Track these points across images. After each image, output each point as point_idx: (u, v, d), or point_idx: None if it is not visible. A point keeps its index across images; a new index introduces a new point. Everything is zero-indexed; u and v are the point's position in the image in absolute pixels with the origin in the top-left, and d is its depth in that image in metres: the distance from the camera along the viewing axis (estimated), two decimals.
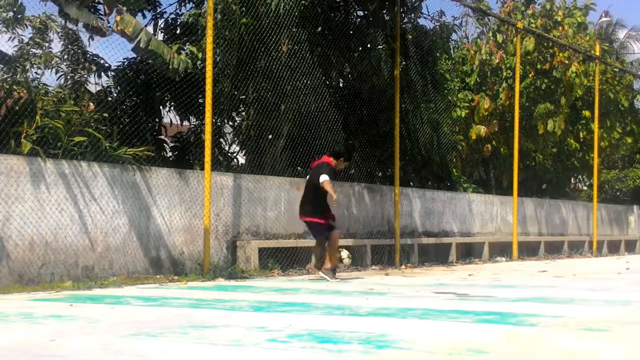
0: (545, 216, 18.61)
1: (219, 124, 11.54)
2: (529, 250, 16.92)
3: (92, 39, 11.08)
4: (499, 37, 18.03)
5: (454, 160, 17.23)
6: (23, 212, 7.77)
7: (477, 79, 17.76)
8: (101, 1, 10.50)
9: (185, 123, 12.13)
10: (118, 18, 8.89)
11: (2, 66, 9.15)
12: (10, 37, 9.33)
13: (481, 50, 17.73)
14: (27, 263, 7.78)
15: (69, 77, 10.77)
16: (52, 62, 10.13)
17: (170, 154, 11.91)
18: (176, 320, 5.05)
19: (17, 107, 8.42)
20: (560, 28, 18.12)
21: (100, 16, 11.00)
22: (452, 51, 17.93)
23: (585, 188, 25.24)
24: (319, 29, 12.60)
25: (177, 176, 9.61)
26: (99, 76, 11.25)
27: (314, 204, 9.19)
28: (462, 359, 3.64)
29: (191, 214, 9.66)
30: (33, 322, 5.02)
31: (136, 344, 4.07)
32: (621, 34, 30.62)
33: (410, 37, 14.23)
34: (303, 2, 11.35)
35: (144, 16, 11.65)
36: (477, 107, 17.11)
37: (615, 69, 20.29)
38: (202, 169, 9.52)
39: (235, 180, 10.37)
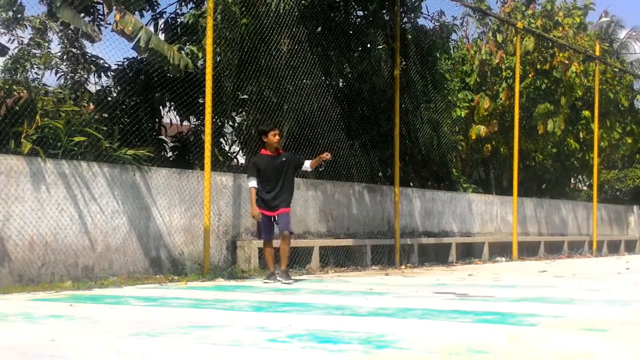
0: (545, 216, 18.61)
1: (219, 124, 11.54)
2: (529, 250, 16.92)
3: (102, 32, 11.09)
4: (499, 37, 18.03)
5: (454, 160, 17.24)
6: (23, 212, 7.77)
7: (477, 79, 17.77)
8: (100, 1, 10.51)
9: (185, 123, 12.13)
10: (117, 17, 8.88)
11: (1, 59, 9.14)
12: (10, 39, 9.32)
13: (481, 50, 17.74)
14: (27, 263, 7.78)
15: (68, 77, 10.77)
16: (52, 63, 10.12)
17: (170, 154, 11.91)
18: (176, 320, 5.05)
19: (17, 107, 8.42)
20: (561, 28, 18.13)
21: (100, 16, 11.02)
22: (452, 51, 17.94)
23: (585, 188, 25.26)
24: (319, 28, 12.60)
25: (177, 176, 9.61)
26: (99, 76, 11.25)
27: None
28: (462, 359, 3.64)
29: (191, 214, 9.66)
30: (33, 322, 5.02)
31: (136, 344, 4.07)
32: (621, 34, 30.63)
33: (410, 37, 14.23)
34: (303, 2, 11.35)
35: (142, 15, 11.65)
36: (477, 107, 17.12)
37: (615, 69, 20.29)
38: (202, 169, 9.52)
39: (235, 180, 10.37)
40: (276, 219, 8.53)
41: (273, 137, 8.55)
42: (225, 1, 10.47)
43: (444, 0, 18.11)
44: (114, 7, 8.97)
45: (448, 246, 14.29)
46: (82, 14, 10.84)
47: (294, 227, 11.05)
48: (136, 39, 9.08)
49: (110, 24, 9.72)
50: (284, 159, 8.63)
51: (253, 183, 8.58)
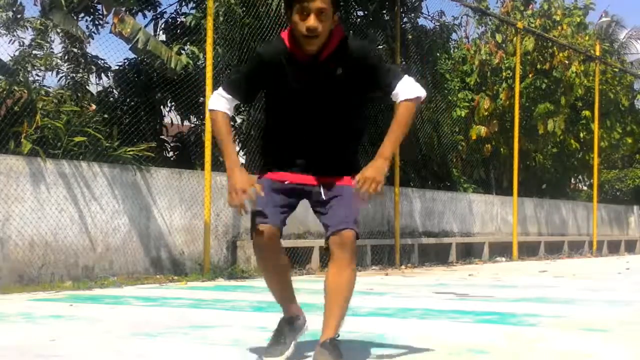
0: (545, 216, 18.61)
1: None
2: (529, 250, 16.91)
3: (92, 38, 11.14)
4: (499, 37, 18.03)
5: (454, 160, 17.23)
6: (23, 212, 7.77)
7: (477, 79, 17.76)
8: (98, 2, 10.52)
9: (186, 123, 12.14)
10: (116, 20, 8.91)
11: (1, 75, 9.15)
12: (11, 40, 9.34)
13: (480, 50, 17.73)
14: (27, 263, 7.78)
15: (69, 77, 10.78)
16: (53, 63, 10.13)
17: (170, 153, 11.92)
18: (176, 320, 5.05)
19: (17, 108, 8.43)
20: (560, 28, 18.12)
21: (99, 16, 11.04)
22: (452, 51, 17.94)
23: (585, 188, 25.25)
24: None
25: (177, 176, 9.61)
26: (100, 77, 11.27)
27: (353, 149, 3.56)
28: (462, 359, 3.64)
29: (191, 214, 9.66)
30: (33, 322, 5.02)
31: (136, 344, 4.07)
32: (622, 34, 30.63)
33: (410, 37, 14.23)
34: None
35: (145, 16, 11.66)
36: (477, 107, 17.12)
37: (616, 69, 20.29)
38: (203, 169, 9.52)
39: None
40: (322, 197, 3.30)
41: (299, 21, 3.09)
42: (225, 1, 10.49)
43: (444, 0, 18.12)
44: (113, 9, 8.98)
45: (448, 246, 14.29)
46: (82, 14, 10.87)
47: (294, 226, 11.01)
48: (134, 41, 9.11)
49: (108, 24, 9.75)
50: (339, 70, 3.22)
51: (219, 104, 3.32)
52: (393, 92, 3.24)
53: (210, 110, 3.34)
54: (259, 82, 3.28)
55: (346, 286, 3.20)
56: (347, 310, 3.29)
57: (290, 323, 3.56)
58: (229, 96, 3.29)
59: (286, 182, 3.28)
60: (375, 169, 3.19)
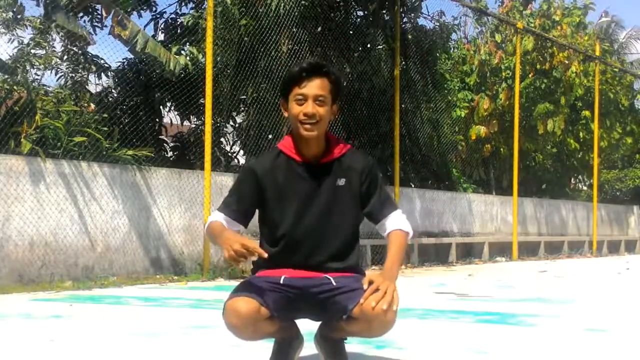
0: (545, 216, 18.60)
1: (219, 124, 11.54)
2: (529, 250, 16.91)
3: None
4: (498, 37, 18.03)
5: (454, 160, 17.23)
6: (23, 212, 7.77)
7: (477, 79, 17.77)
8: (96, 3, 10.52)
9: (186, 123, 12.14)
10: (115, 22, 8.93)
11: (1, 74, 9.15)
12: (10, 39, 9.33)
13: (480, 50, 17.74)
14: (27, 263, 7.78)
15: (68, 77, 10.77)
16: (52, 62, 10.13)
17: (170, 154, 11.92)
18: (176, 321, 5.05)
19: (16, 108, 8.43)
20: (559, 28, 18.13)
21: (97, 16, 11.04)
22: (451, 51, 17.95)
23: (585, 188, 25.25)
24: (319, 29, 12.61)
25: (177, 176, 9.61)
26: (99, 76, 11.26)
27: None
28: (462, 359, 3.64)
29: (191, 214, 9.66)
30: (33, 322, 5.02)
31: (136, 344, 4.06)
32: (621, 35, 30.64)
33: (410, 37, 14.23)
34: (303, 2, 11.36)
35: (140, 16, 11.66)
36: (477, 107, 17.12)
37: (615, 69, 20.30)
38: (202, 169, 9.53)
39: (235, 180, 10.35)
40: (332, 283, 3.07)
41: (296, 106, 2.96)
42: (224, 1, 10.49)
43: (444, 0, 18.12)
44: (112, 11, 9.00)
45: (448, 246, 14.28)
46: (81, 15, 10.87)
47: None
48: (133, 43, 9.13)
49: (107, 26, 9.76)
50: (341, 181, 3.06)
51: (214, 217, 3.09)
52: (381, 222, 3.11)
53: (206, 226, 3.08)
54: (252, 193, 3.06)
55: (387, 325, 3.17)
56: None
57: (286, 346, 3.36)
58: (225, 216, 3.06)
59: (283, 277, 2.98)
60: (388, 277, 3.19)
